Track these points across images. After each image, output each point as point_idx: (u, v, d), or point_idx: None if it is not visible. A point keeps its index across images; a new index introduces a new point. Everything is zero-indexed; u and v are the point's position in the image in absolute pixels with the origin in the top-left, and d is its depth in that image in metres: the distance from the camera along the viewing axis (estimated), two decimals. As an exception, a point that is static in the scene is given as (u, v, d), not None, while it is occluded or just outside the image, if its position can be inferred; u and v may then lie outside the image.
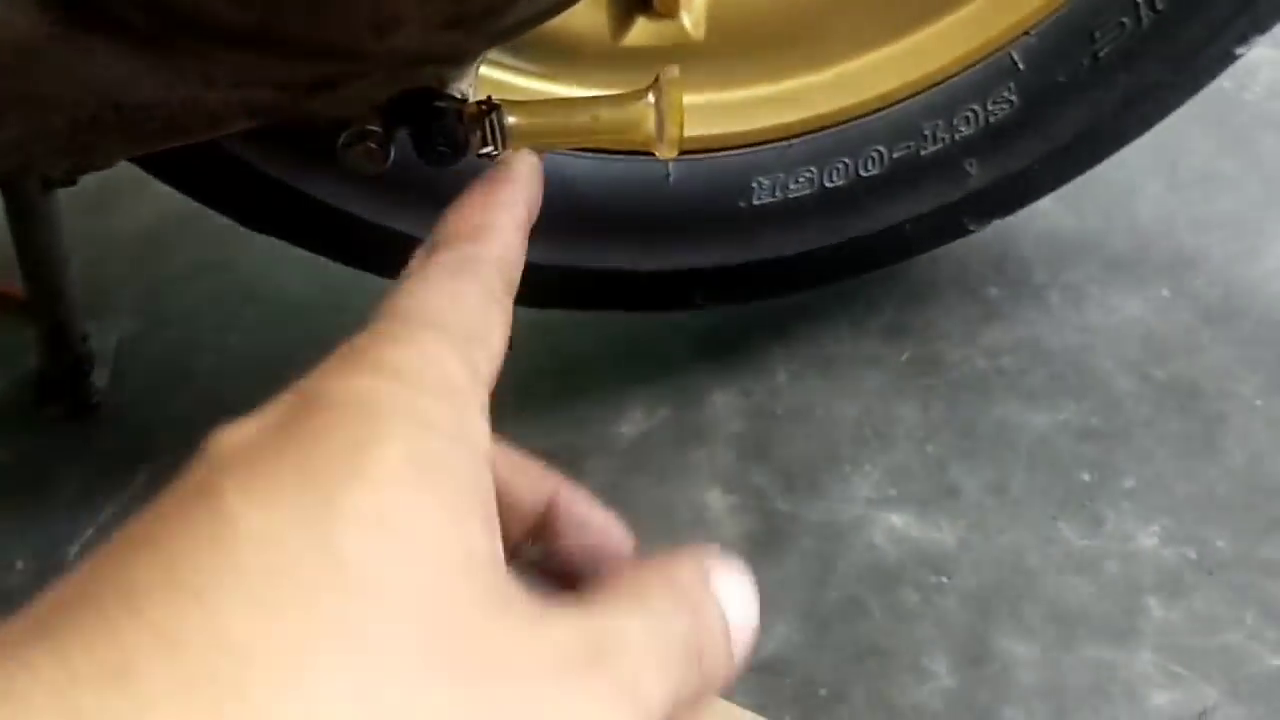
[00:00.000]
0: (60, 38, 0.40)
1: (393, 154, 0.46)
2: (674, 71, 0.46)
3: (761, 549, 0.71)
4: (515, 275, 0.33)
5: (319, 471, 0.22)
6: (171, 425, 0.92)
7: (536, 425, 0.84)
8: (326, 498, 0.22)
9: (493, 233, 0.33)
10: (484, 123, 0.45)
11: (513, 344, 0.32)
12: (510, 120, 0.45)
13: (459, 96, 0.46)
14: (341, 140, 0.45)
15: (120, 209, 1.13)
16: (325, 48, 0.37)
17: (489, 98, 0.45)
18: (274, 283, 1.03)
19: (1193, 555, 0.64)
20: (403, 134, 0.46)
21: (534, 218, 0.37)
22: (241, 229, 1.08)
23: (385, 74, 0.43)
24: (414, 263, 0.33)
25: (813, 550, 0.70)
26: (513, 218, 0.35)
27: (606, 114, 0.46)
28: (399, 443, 0.23)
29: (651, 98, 0.46)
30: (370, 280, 0.99)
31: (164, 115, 0.43)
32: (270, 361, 0.95)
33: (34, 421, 0.95)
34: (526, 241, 0.36)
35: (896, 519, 0.70)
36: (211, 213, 1.16)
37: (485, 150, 0.45)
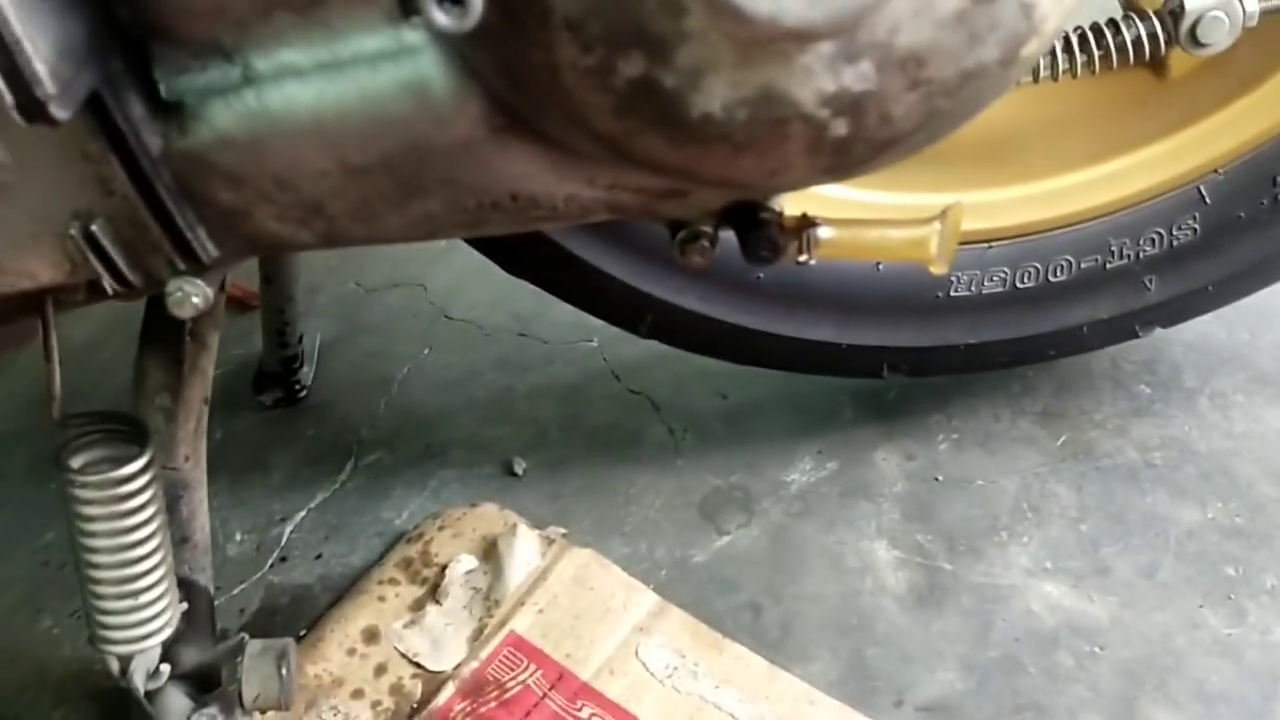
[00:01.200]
0: (491, 139, 0.49)
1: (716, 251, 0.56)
2: (959, 203, 0.55)
3: (925, 602, 0.80)
4: None
5: None
6: (373, 425, 1.02)
7: (710, 464, 0.93)
8: None
9: None
10: (801, 234, 0.54)
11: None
12: (822, 234, 0.55)
13: (777, 209, 0.55)
14: (680, 237, 0.55)
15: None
16: (724, 181, 0.46)
17: (804, 214, 0.55)
18: (463, 304, 1.13)
19: (1327, 654, 0.72)
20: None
21: None
22: (429, 251, 1.19)
23: (728, 188, 0.53)
24: None
25: (973, 608, 0.78)
26: None
27: (896, 234, 0.56)
28: None
29: (938, 225, 0.55)
30: (553, 312, 1.09)
31: (548, 206, 0.52)
32: (461, 377, 1.05)
33: (246, 408, 1.05)
34: None
35: (1052, 589, 0.78)
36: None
37: (800, 258, 0.54)
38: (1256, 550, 0.79)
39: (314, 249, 0.53)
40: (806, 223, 0.54)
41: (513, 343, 1.09)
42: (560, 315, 1.11)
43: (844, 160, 0.45)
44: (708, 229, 0.54)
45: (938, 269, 0.56)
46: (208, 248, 0.50)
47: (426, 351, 1.10)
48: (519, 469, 0.95)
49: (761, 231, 0.54)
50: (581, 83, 0.42)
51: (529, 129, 0.49)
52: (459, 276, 1.16)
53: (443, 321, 1.13)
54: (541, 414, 1.01)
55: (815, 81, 0.41)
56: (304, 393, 1.06)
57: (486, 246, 0.78)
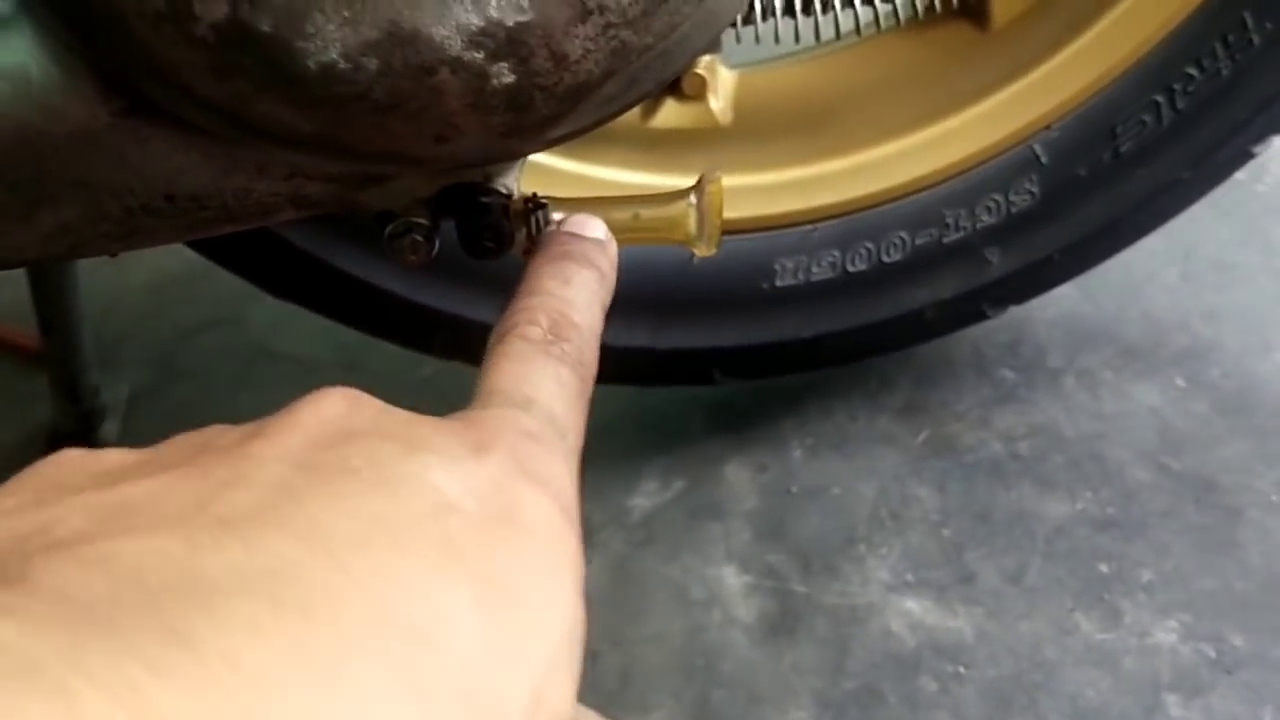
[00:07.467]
0: (117, 127, 0.40)
1: (437, 245, 0.47)
2: (716, 173, 0.47)
3: (777, 631, 0.71)
4: (595, 366, 0.34)
5: None
6: (181, 482, 0.91)
7: (549, 494, 0.84)
8: None
9: (576, 327, 0.33)
10: (529, 219, 0.45)
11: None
12: (554, 217, 0.46)
13: (504, 191, 0.46)
14: (388, 231, 0.46)
15: (130, 262, 1.13)
16: (384, 154, 0.38)
17: (534, 195, 0.46)
18: (285, 341, 1.03)
19: (1211, 653, 0.64)
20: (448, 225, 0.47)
21: (612, 292, 0.38)
22: (251, 286, 1.09)
23: (434, 171, 0.44)
24: (506, 344, 0.32)
25: (829, 635, 0.70)
26: (597, 301, 0.35)
27: (647, 213, 0.47)
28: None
29: (693, 198, 0.46)
30: (382, 343, 0.99)
31: (215, 205, 0.43)
32: (282, 420, 0.95)
33: (42, 474, 0.94)
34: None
35: (914, 605, 0.70)
36: (221, 269, 1.17)
37: (530, 249, 0.45)
38: (1130, 542, 0.71)
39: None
40: (535, 204, 0.45)
41: (338, 378, 0.98)
42: (389, 347, 1.02)
43: (525, 117, 0.36)
44: (422, 220, 0.46)
45: (702, 250, 0.47)
46: None
47: (245, 396, 0.99)
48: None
49: (482, 219, 0.45)
50: (158, 35, 0.33)
51: (163, 114, 0.40)
52: (279, 314, 1.06)
53: (263, 362, 1.03)
54: (367, 454, 0.91)
55: (453, 14, 0.33)
56: (108, 452, 0.95)
57: (244, 269, 0.68)
